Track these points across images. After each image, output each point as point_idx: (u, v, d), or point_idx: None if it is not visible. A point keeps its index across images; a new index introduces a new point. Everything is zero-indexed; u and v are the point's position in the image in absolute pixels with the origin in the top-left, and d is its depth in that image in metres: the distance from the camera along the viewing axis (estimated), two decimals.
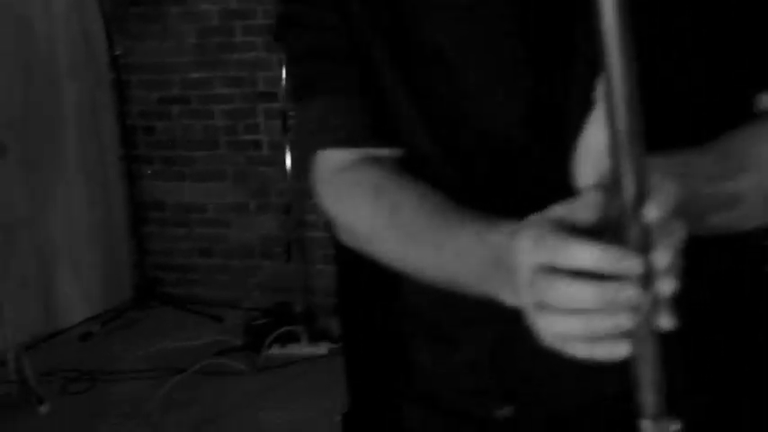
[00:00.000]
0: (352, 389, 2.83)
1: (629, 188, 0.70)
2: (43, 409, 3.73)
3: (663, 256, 0.71)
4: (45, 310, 4.66)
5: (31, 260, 4.60)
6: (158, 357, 4.27)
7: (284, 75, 4.29)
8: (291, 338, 4.35)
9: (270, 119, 4.77)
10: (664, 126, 0.81)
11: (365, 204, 1.03)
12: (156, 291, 5.10)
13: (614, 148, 0.70)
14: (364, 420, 2.77)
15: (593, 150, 0.78)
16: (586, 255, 0.73)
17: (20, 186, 4.52)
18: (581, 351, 0.76)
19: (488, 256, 0.87)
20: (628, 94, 0.68)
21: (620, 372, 0.76)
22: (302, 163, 1.10)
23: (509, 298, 0.86)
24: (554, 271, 0.75)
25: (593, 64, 0.71)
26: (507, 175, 1.01)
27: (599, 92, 0.74)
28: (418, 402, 1.19)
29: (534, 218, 0.80)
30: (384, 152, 1.06)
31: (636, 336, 0.73)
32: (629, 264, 0.71)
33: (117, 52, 4.82)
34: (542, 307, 0.77)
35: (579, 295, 0.74)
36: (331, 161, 1.08)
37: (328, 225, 2.90)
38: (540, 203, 0.81)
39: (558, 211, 0.78)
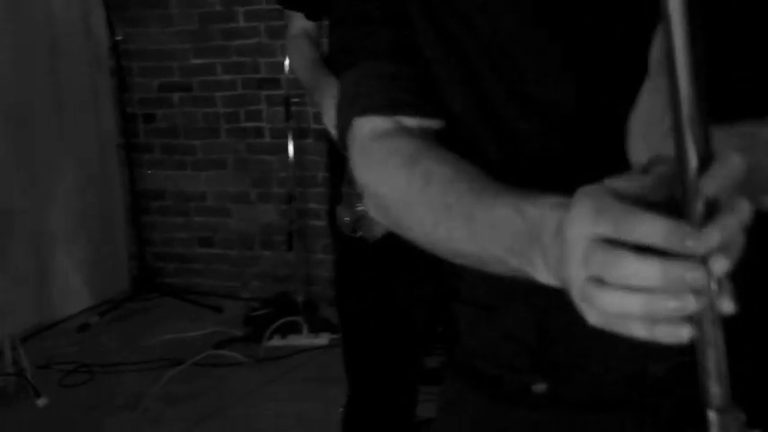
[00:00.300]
0: (352, 380, 2.78)
1: (691, 160, 0.65)
2: (41, 401, 3.67)
3: (720, 234, 0.66)
4: (42, 301, 4.60)
5: (27, 250, 4.53)
6: (157, 349, 4.21)
7: (287, 61, 4.21)
8: (292, 329, 4.29)
9: (272, 106, 4.71)
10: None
11: (399, 173, 0.99)
12: (155, 281, 5.05)
13: (675, 117, 0.64)
14: (366, 412, 2.72)
15: (646, 120, 0.71)
16: (655, 229, 0.67)
17: (16, 174, 4.45)
18: (639, 331, 0.70)
19: (523, 229, 0.83)
20: (690, 57, 0.62)
21: (664, 356, 0.70)
22: (341, 132, 1.08)
23: (541, 275, 0.82)
24: (615, 244, 0.70)
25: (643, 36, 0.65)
26: (554, 149, 0.97)
27: (654, 58, 0.68)
28: (456, 372, 1.16)
29: (589, 189, 0.74)
30: (422, 122, 1.03)
31: (702, 321, 0.68)
32: (700, 243, 0.66)
33: (117, 38, 4.75)
34: (599, 282, 0.71)
35: (645, 272, 0.68)
36: (367, 128, 1.04)
37: (328, 213, 2.84)
38: (587, 177, 0.76)
39: (619, 183, 0.72)
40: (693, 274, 0.66)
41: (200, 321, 4.54)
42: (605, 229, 0.70)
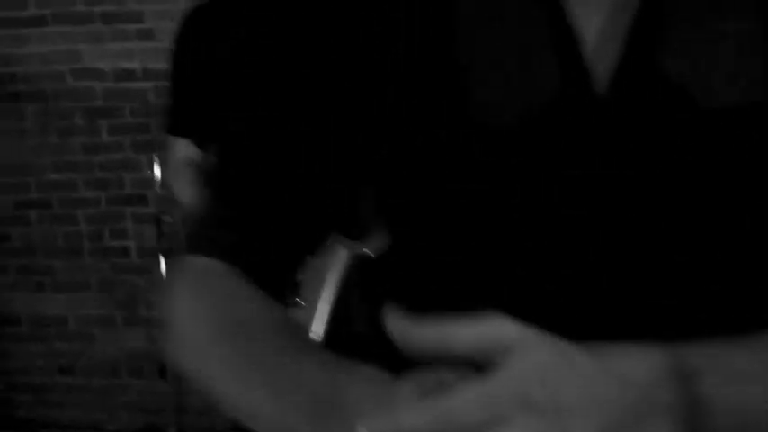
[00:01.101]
0: None
1: None
2: None
3: None
4: None
5: None
6: None
7: (156, 176, 4.00)
8: None
9: (139, 223, 4.45)
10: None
11: (209, 315, 0.91)
12: (9, 414, 4.65)
13: None
14: None
15: None
16: None
17: None
18: None
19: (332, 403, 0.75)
20: None
21: None
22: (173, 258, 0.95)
23: None
24: None
25: None
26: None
27: None
28: None
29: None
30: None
31: None
32: None
33: None
34: None
35: None
36: (201, 265, 0.95)
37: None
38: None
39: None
40: None
41: None
42: None
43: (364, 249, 1.29)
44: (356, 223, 0.96)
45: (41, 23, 4.43)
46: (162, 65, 4.26)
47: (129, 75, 4.39)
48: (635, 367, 0.64)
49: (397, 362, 0.70)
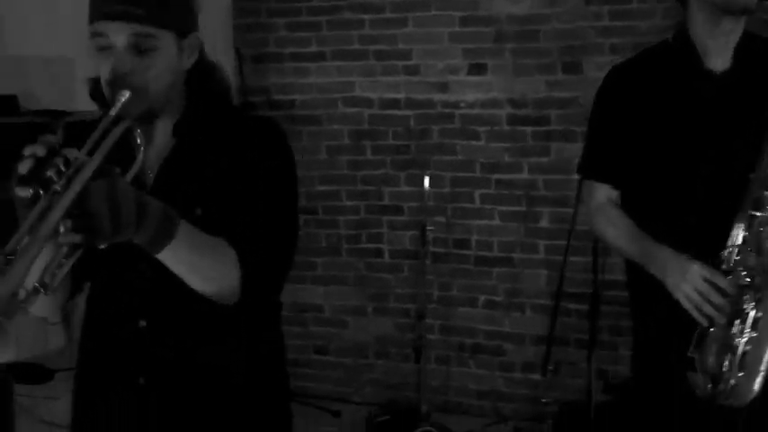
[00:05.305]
0: None
1: None
2: None
3: None
4: None
5: None
6: None
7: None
8: None
9: (392, 230, 5.22)
10: None
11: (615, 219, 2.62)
12: None
13: None
14: None
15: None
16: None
17: None
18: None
19: (654, 255, 2.45)
20: None
21: None
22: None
23: (656, 273, 2.44)
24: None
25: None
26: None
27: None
28: None
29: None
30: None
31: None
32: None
33: None
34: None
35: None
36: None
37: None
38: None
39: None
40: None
41: (314, 426, 4.84)
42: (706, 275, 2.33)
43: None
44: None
45: (321, 59, 5.28)
46: (423, 96, 5.05)
47: (393, 103, 5.18)
48: None
49: None
